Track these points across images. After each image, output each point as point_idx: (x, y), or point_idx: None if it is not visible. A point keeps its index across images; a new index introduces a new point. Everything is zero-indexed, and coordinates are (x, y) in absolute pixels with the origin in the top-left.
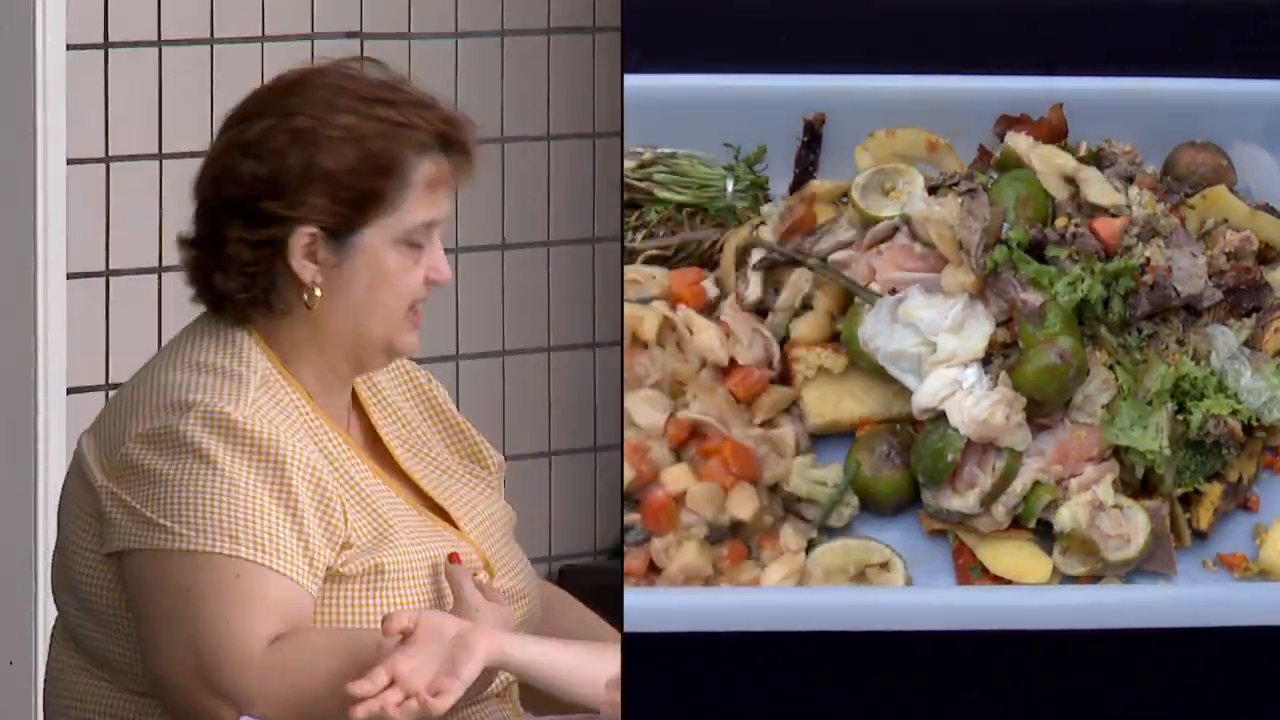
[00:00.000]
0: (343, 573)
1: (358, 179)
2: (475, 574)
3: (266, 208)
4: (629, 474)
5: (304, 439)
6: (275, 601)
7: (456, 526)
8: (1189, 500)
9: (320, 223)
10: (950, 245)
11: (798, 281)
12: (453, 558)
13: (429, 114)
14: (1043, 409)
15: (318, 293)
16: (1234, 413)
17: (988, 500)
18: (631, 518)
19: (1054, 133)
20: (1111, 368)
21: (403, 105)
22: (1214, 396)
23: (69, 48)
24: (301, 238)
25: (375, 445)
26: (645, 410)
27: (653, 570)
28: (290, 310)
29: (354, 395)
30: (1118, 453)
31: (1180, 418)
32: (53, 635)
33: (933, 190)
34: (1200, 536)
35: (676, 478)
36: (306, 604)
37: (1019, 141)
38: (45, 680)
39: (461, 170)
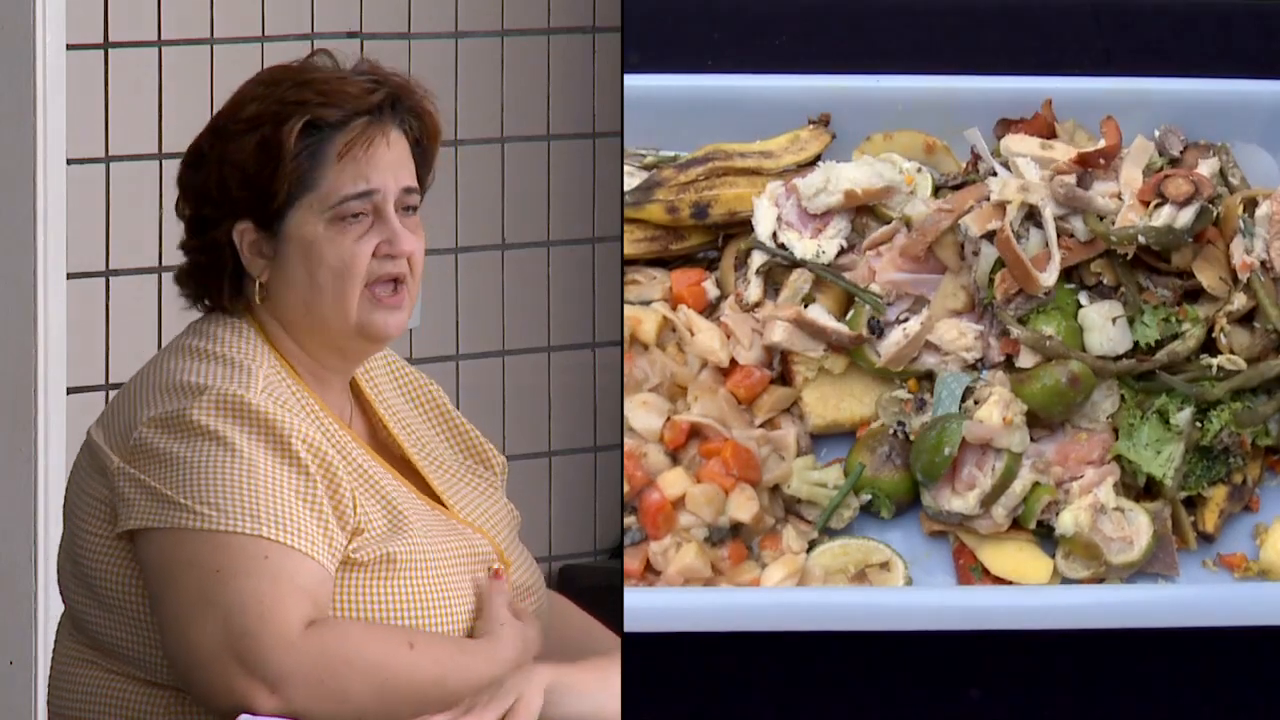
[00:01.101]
0: (354, 559)
1: (260, 166)
2: (491, 567)
3: (203, 213)
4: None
5: (311, 425)
6: (304, 583)
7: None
8: (1193, 502)
9: (249, 216)
10: (951, 251)
11: (797, 282)
12: (495, 574)
13: (338, 85)
14: (1045, 419)
15: (258, 284)
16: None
17: (987, 501)
18: (630, 520)
19: (1048, 129)
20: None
21: (310, 82)
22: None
23: (69, 48)
24: (244, 235)
25: (379, 443)
26: (641, 415)
27: (651, 572)
28: (257, 307)
29: (358, 393)
30: (1119, 455)
31: (1197, 424)
32: (57, 629)
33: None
34: (1207, 539)
35: (673, 481)
36: (329, 585)
37: (1013, 146)
38: (50, 674)
39: (422, 133)
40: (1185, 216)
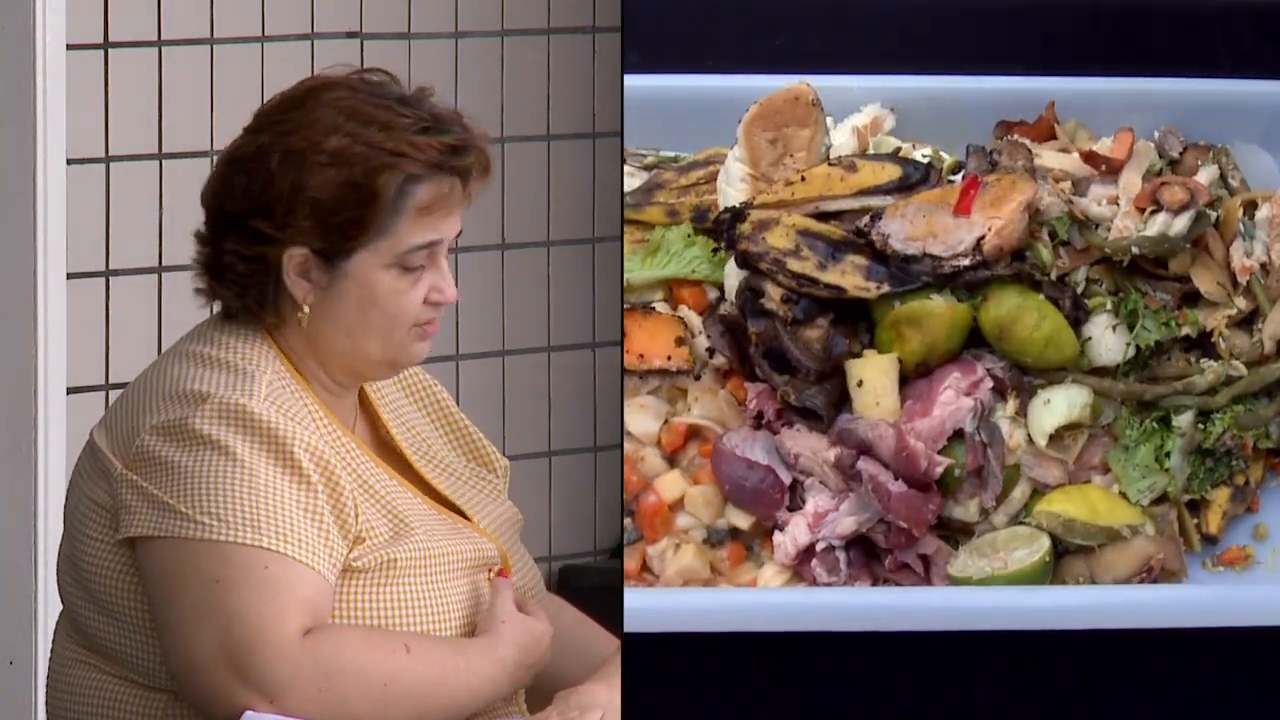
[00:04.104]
0: (355, 567)
1: (341, 205)
2: (494, 568)
3: (258, 226)
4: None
5: (314, 434)
6: (304, 594)
7: (472, 524)
8: (1196, 505)
9: (310, 245)
10: None
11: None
12: (501, 573)
13: (431, 139)
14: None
15: (306, 309)
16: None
17: (988, 509)
18: (630, 521)
19: (1049, 131)
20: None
21: (401, 130)
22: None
23: (69, 48)
24: (294, 258)
25: (383, 448)
26: (639, 418)
27: (649, 572)
28: (285, 322)
29: (362, 399)
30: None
31: (1200, 426)
32: (55, 630)
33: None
34: (1211, 541)
35: (670, 484)
36: (329, 595)
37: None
38: (48, 676)
39: (475, 185)
40: (1180, 223)
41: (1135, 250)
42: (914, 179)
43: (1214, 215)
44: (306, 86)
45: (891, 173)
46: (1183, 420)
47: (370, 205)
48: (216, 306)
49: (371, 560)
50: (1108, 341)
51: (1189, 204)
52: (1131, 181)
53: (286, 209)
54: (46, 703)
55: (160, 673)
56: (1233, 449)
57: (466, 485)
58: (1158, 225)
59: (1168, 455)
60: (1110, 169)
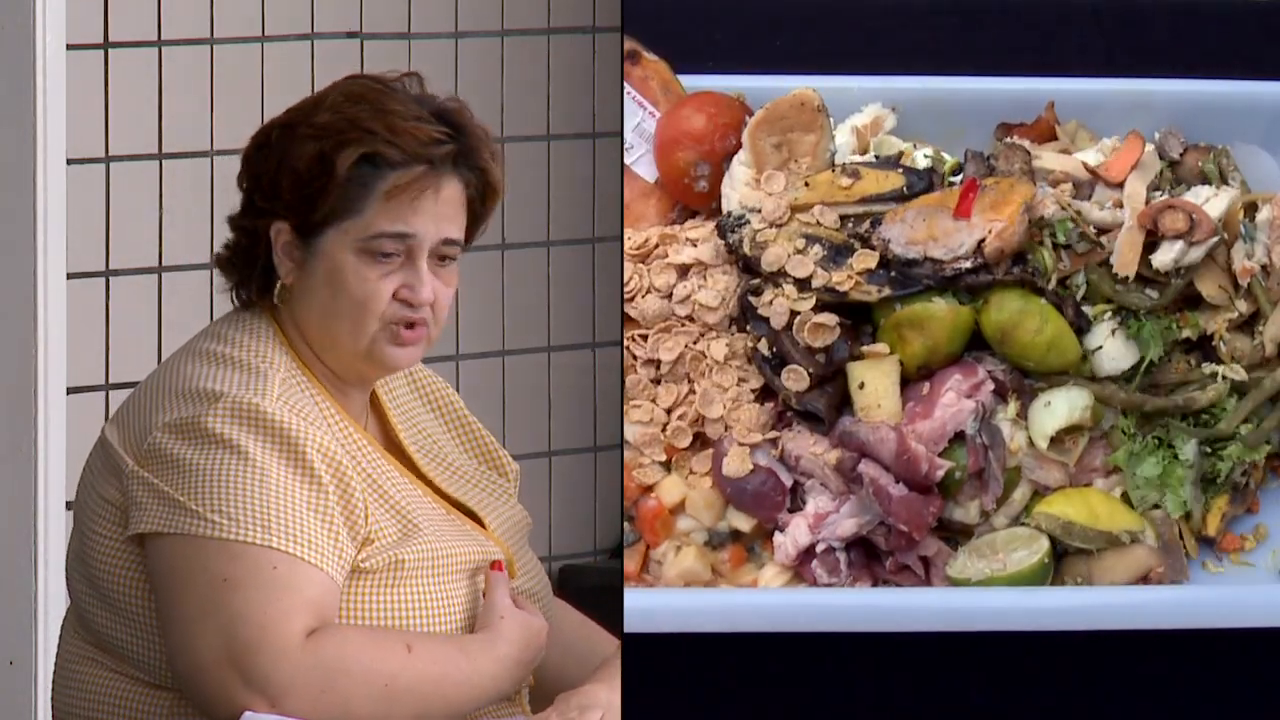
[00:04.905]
0: (364, 567)
1: (310, 177)
2: (491, 559)
3: (254, 199)
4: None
5: (326, 434)
6: (310, 594)
7: (484, 526)
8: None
9: (289, 219)
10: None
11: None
12: (495, 566)
13: (413, 126)
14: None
15: (279, 286)
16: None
17: (989, 511)
18: (631, 524)
19: (1049, 132)
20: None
21: (389, 114)
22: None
23: (69, 48)
24: (280, 233)
25: (394, 447)
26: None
27: (650, 575)
28: (276, 306)
29: (373, 398)
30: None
31: (1205, 449)
32: (63, 626)
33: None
34: (1209, 544)
35: (670, 488)
36: (336, 596)
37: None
38: (54, 672)
39: (483, 190)
40: (1195, 254)
41: (1144, 302)
42: (917, 188)
43: (1220, 237)
44: (339, 78)
45: (895, 181)
46: (1188, 452)
47: (329, 177)
48: (221, 303)
49: (379, 561)
50: (1110, 350)
51: (1185, 233)
52: (1136, 190)
53: (273, 181)
54: (53, 699)
55: (166, 671)
56: (1246, 476)
57: (476, 488)
58: (1173, 254)
59: (1181, 484)
60: (1112, 182)
